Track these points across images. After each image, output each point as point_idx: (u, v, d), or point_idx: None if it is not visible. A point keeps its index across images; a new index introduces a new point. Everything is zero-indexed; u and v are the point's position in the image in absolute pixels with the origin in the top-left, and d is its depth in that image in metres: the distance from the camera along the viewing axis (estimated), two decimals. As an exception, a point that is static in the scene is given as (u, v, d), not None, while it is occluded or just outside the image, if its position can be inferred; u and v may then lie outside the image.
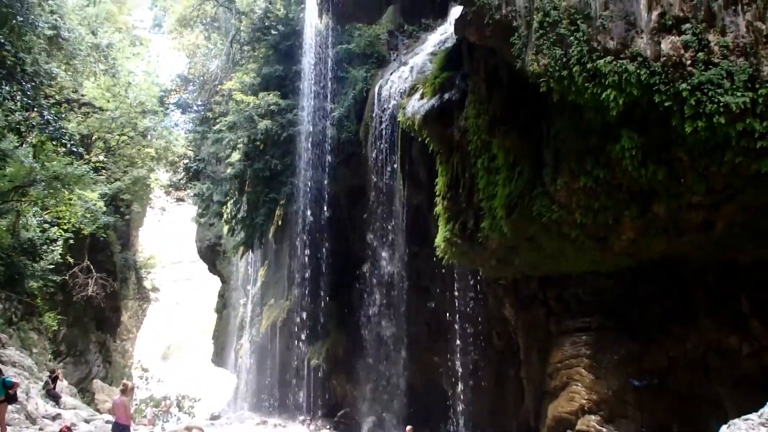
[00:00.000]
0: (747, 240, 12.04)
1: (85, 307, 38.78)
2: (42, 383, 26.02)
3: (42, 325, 33.30)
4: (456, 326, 22.55)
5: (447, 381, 24.02)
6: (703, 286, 14.50)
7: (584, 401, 15.64)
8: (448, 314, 23.06)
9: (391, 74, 24.69)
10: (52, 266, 31.85)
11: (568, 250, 13.68)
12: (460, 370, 22.58)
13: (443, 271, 22.35)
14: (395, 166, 24.13)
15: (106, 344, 44.36)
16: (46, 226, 32.05)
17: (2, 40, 22.57)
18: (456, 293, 22.47)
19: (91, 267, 38.70)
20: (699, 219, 11.21)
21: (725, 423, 7.57)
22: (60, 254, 32.54)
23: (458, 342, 22.55)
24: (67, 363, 37.63)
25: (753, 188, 10.11)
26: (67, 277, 36.33)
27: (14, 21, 22.54)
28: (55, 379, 26.47)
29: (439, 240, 17.78)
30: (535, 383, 18.12)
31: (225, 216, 34.25)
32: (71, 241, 33.72)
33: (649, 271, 14.86)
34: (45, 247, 31.61)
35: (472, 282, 21.80)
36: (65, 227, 32.73)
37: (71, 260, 36.18)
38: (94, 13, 37.33)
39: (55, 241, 32.26)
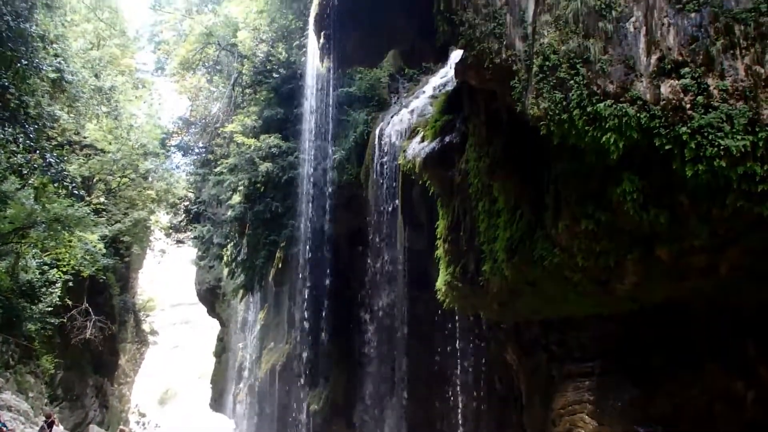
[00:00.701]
0: (751, 284, 11.94)
1: (82, 350, 38.50)
2: (38, 428, 25.68)
3: (39, 368, 33.01)
4: (457, 371, 22.34)
5: (448, 426, 23.71)
6: (707, 330, 14.36)
7: (588, 448, 15.42)
8: (449, 359, 22.85)
9: (391, 117, 24.80)
10: (50, 309, 31.69)
11: (570, 294, 13.56)
12: (462, 415, 22.32)
13: (444, 315, 22.20)
14: (396, 208, 24.11)
15: (104, 388, 43.98)
16: (46, 268, 31.95)
17: (6, 83, 22.72)
18: (457, 337, 22.30)
19: (90, 309, 38.47)
20: (702, 263, 11.11)
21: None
22: (59, 296, 32.39)
23: (459, 387, 22.33)
24: (64, 407, 37.20)
25: (755, 232, 10.04)
26: (65, 320, 36.10)
27: (19, 64, 22.73)
28: (51, 424, 26.07)
29: (439, 283, 17.66)
30: (537, 429, 17.87)
31: (225, 258, 34.22)
32: (70, 284, 33.59)
33: (652, 315, 14.72)
34: (44, 289, 31.49)
35: (473, 326, 21.64)
36: (64, 269, 32.63)
37: (70, 302, 35.97)
38: (97, 56, 37.73)
39: (54, 283, 32.14)
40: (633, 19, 10.21)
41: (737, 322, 13.61)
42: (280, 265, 32.75)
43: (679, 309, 14.32)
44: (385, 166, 24.00)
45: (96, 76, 34.18)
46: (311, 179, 28.29)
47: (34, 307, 30.68)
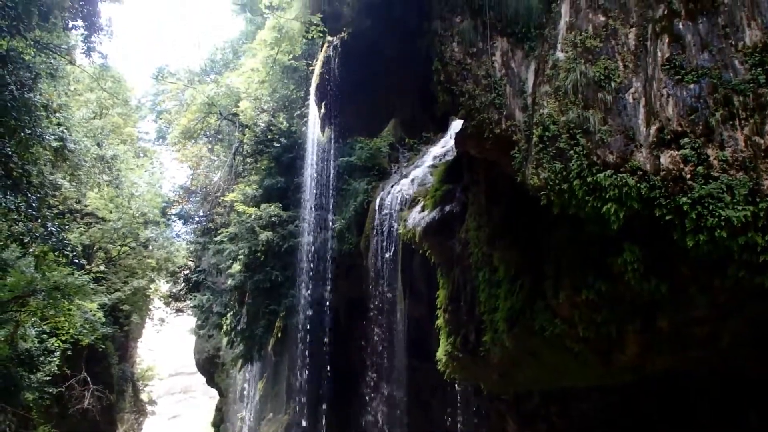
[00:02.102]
0: (753, 354, 11.82)
1: (80, 420, 37.95)
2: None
3: (36, 439, 32.48)
4: (458, 442, 21.98)
5: (449, 501, 23.21)
6: (710, 399, 14.18)
7: None
8: (450, 429, 22.48)
9: (392, 186, 24.89)
10: (48, 378, 31.29)
11: (572, 365, 13.40)
12: (463, 489, 21.87)
13: (444, 385, 21.93)
14: (396, 278, 24.01)
15: (99, 460, 43.13)
16: (45, 336, 31.66)
17: (10, 152, 22.82)
18: (458, 408, 21.99)
19: (88, 379, 38.11)
20: (703, 333, 11.03)
21: None
22: (57, 366, 32.03)
23: (460, 460, 21.92)
24: (58, 480, 36.47)
25: (757, 302, 9.97)
26: (63, 389, 35.69)
27: (22, 134, 22.85)
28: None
29: (440, 354, 17.48)
30: (540, 504, 17.50)
31: (224, 328, 33.91)
32: (69, 352, 33.25)
33: (654, 384, 14.54)
34: (42, 358, 31.13)
35: (474, 397, 21.35)
36: (63, 338, 32.33)
37: (68, 372, 35.60)
38: (100, 125, 38.02)
39: (53, 352, 31.80)
40: (632, 90, 10.33)
41: (739, 392, 13.44)
42: (279, 335, 32.46)
43: (681, 378, 14.16)
44: (385, 236, 23.99)
45: (98, 145, 34.35)
46: (311, 248, 28.24)
47: (32, 376, 30.28)
